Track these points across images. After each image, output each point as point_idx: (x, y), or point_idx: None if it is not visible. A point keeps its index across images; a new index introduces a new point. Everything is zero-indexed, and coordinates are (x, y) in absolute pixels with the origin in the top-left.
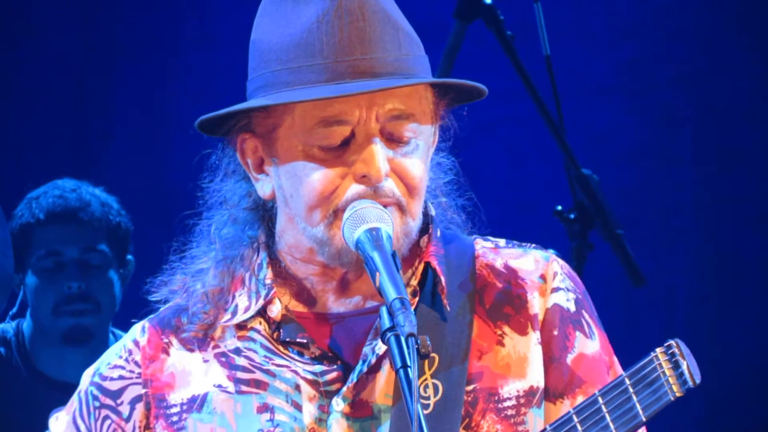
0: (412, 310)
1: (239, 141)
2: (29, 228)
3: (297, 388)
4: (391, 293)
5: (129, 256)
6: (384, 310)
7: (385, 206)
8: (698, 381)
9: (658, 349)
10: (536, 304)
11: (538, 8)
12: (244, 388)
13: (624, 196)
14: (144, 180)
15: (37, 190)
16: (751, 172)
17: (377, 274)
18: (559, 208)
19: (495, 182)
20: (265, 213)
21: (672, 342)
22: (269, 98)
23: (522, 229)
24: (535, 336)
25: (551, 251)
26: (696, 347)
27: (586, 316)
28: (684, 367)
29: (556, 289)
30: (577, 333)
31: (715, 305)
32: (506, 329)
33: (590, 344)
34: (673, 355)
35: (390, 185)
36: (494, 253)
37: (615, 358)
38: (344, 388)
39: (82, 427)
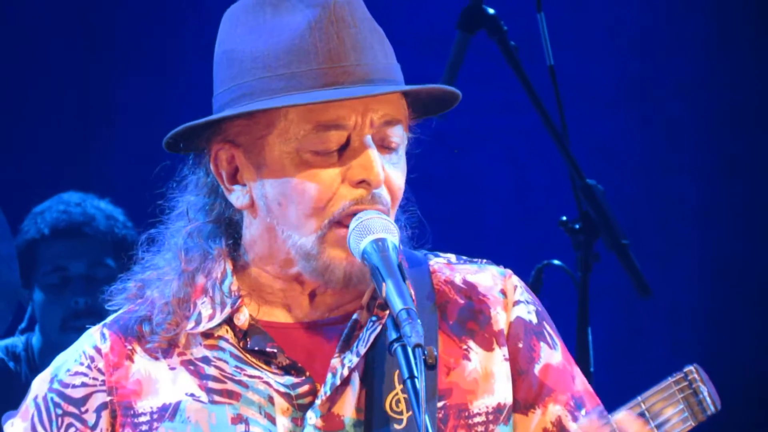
0: (419, 321)
1: (214, 151)
2: (35, 244)
3: (270, 400)
4: (398, 304)
5: None
6: (390, 321)
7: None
8: (719, 407)
9: (677, 375)
10: (500, 320)
11: (541, 18)
12: (216, 398)
13: (629, 207)
14: (148, 191)
15: (41, 205)
16: (756, 182)
17: (383, 285)
18: (564, 218)
19: (499, 193)
20: (228, 227)
21: (691, 368)
22: (268, 102)
23: (527, 240)
24: (501, 352)
25: (503, 267)
26: (701, 358)
27: (547, 327)
28: (705, 394)
29: (516, 303)
30: (542, 344)
31: (720, 316)
32: (471, 344)
33: (554, 354)
34: (693, 381)
35: (383, 192)
36: (449, 269)
37: (576, 368)
38: (317, 401)
39: None
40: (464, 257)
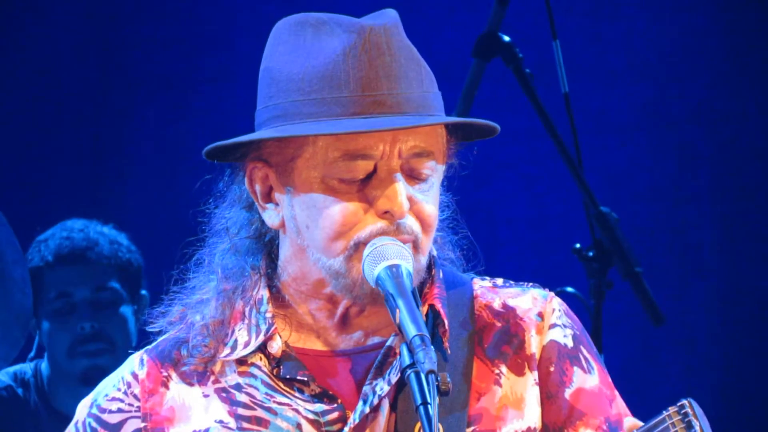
0: (432, 347)
1: (249, 169)
2: (39, 271)
3: (298, 427)
4: (412, 330)
5: (143, 291)
6: (404, 347)
7: (404, 243)
8: None
9: (671, 409)
10: (533, 344)
11: (556, 46)
12: (245, 424)
13: (643, 234)
14: (160, 217)
15: (45, 233)
16: (767, 208)
17: (397, 311)
18: (578, 246)
19: (514, 220)
20: (266, 243)
21: (685, 402)
22: (296, 128)
23: (541, 267)
24: (532, 377)
25: (548, 290)
26: (716, 387)
27: (584, 351)
28: (697, 427)
29: (553, 326)
30: (575, 368)
31: (735, 345)
32: (503, 368)
33: (589, 379)
34: (686, 415)
35: (410, 222)
36: (492, 292)
37: (617, 393)
38: (346, 428)
39: None
40: (512, 281)
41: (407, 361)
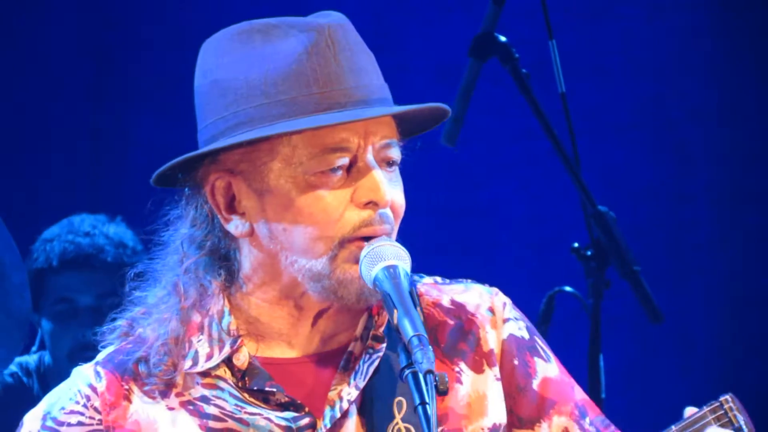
0: (430, 347)
1: (211, 181)
2: (43, 273)
3: None
4: (409, 331)
5: None
6: (402, 348)
7: (385, 234)
8: None
9: (712, 403)
10: (490, 340)
11: (553, 46)
12: None
13: (640, 233)
14: (158, 213)
15: (51, 230)
16: (765, 206)
17: (395, 311)
18: (576, 245)
19: (511, 219)
20: (222, 258)
21: (727, 396)
22: (274, 128)
23: (539, 267)
24: (492, 373)
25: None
26: (714, 385)
27: (539, 341)
28: (742, 422)
29: (506, 320)
30: (536, 359)
31: (733, 343)
32: (462, 365)
33: (550, 367)
34: (730, 410)
35: (388, 213)
36: (437, 290)
37: (570, 376)
38: None
39: None
40: (448, 279)
41: (405, 360)
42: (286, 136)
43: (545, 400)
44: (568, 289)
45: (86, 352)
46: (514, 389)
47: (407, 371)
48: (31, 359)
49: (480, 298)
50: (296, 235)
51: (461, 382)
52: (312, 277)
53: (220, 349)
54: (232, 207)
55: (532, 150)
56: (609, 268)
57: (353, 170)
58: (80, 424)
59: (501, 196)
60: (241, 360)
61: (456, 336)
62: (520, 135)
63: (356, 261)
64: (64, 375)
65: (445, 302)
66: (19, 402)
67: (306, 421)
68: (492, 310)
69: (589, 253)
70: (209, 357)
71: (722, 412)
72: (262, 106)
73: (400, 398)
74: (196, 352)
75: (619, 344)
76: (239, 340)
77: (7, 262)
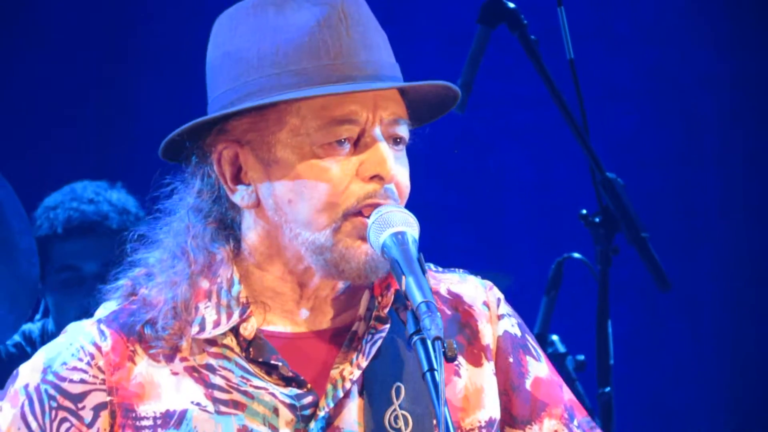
0: (438, 314)
1: (218, 151)
2: (47, 241)
3: (275, 411)
4: (418, 297)
5: None
6: (410, 314)
7: None
8: None
9: None
10: (487, 334)
11: (561, 12)
12: (223, 408)
13: (649, 200)
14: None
15: (54, 197)
16: None
17: (403, 278)
18: (584, 212)
19: (520, 186)
20: (229, 228)
21: None
22: (285, 95)
23: (547, 233)
24: (489, 367)
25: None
26: (722, 351)
27: (530, 339)
28: None
29: (501, 316)
30: (528, 357)
31: (741, 309)
32: (461, 359)
33: (540, 367)
34: None
35: (393, 188)
36: (433, 278)
37: (557, 374)
38: (321, 413)
39: (33, 424)
40: (441, 267)
41: (413, 327)
42: (295, 107)
43: (537, 402)
44: (576, 255)
45: None
46: (509, 387)
47: (416, 338)
48: (34, 327)
49: (476, 291)
50: (300, 207)
51: (459, 375)
52: (315, 250)
53: (229, 317)
54: (238, 178)
55: (541, 116)
56: (617, 234)
57: (360, 144)
58: (83, 381)
59: (509, 163)
60: (249, 330)
61: (453, 327)
62: (529, 101)
63: (359, 235)
64: None
65: (443, 291)
66: None
67: (309, 399)
68: (487, 305)
69: (597, 219)
70: (216, 324)
71: None
72: (272, 76)
73: (398, 384)
74: (203, 318)
75: (627, 311)
76: (248, 310)
77: (16, 228)
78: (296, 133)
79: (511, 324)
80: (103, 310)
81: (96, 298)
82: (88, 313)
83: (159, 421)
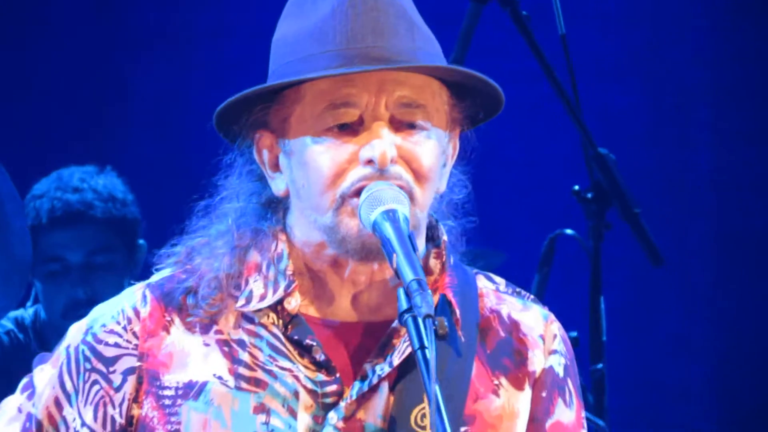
0: (429, 291)
1: (256, 138)
2: (34, 230)
3: (295, 395)
4: (409, 274)
5: (140, 241)
6: (401, 291)
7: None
8: None
9: None
10: (536, 363)
11: None
12: (243, 384)
13: (641, 175)
14: (159, 162)
15: (40, 185)
16: (761, 147)
17: (394, 255)
18: (577, 187)
19: (513, 163)
20: (278, 209)
21: None
22: (271, 83)
23: (539, 209)
24: (529, 393)
25: (546, 308)
26: (714, 326)
27: (570, 384)
28: None
29: (553, 352)
30: (560, 399)
31: (732, 284)
32: (503, 380)
33: (567, 413)
34: None
35: (397, 170)
36: (497, 298)
37: (585, 429)
38: (342, 403)
39: (68, 384)
40: (512, 286)
41: (404, 305)
42: (301, 94)
43: None
44: (569, 231)
45: (79, 309)
46: (532, 418)
47: (407, 315)
48: (26, 314)
49: (535, 323)
50: (309, 191)
51: (498, 395)
52: (325, 231)
53: (275, 291)
54: (276, 165)
55: (533, 92)
56: (609, 210)
57: (362, 128)
58: (116, 345)
59: (502, 139)
60: (292, 305)
61: (503, 349)
62: (521, 78)
63: (354, 214)
64: (59, 331)
65: (504, 314)
66: (17, 360)
67: (333, 387)
68: (543, 338)
69: (589, 195)
70: (262, 297)
71: None
72: (287, 63)
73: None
74: (251, 291)
75: (619, 286)
76: (294, 284)
77: (9, 209)
78: (303, 119)
79: (559, 363)
80: (157, 275)
81: (83, 288)
82: (76, 302)
83: (180, 392)
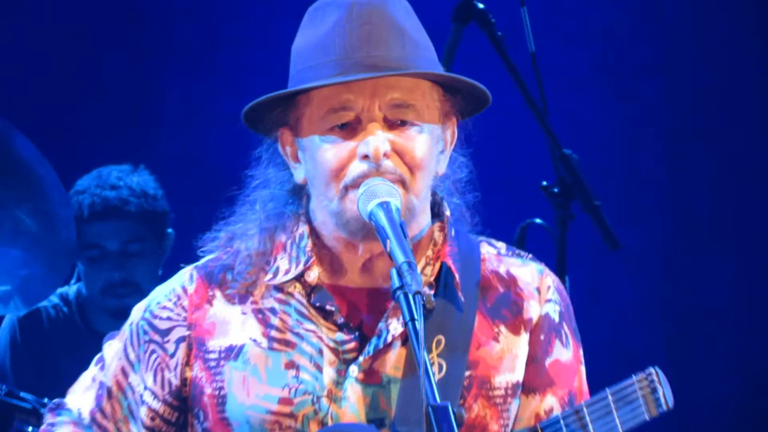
0: (420, 275)
1: (279, 134)
2: (76, 221)
3: (320, 352)
4: (400, 257)
5: (168, 230)
6: (394, 272)
7: (392, 183)
8: (671, 406)
9: (641, 374)
10: (532, 311)
11: (524, 11)
12: (275, 345)
13: (600, 173)
14: (186, 160)
15: (82, 182)
16: (708, 147)
17: (388, 241)
18: (545, 183)
19: (491, 163)
20: (302, 195)
21: (652, 370)
22: (283, 90)
23: (513, 202)
24: (525, 337)
25: (543, 264)
26: (665, 301)
27: (566, 327)
28: (660, 393)
29: (548, 300)
30: (556, 341)
31: (679, 267)
32: (502, 328)
33: (565, 352)
34: (652, 381)
35: (391, 164)
36: (498, 260)
37: (582, 368)
38: (360, 358)
39: (132, 355)
40: (512, 249)
41: (397, 283)
42: (309, 98)
43: (547, 378)
44: (538, 221)
45: (116, 289)
46: (531, 358)
47: (399, 292)
48: (71, 290)
49: (531, 277)
50: (320, 182)
51: (498, 341)
52: (333, 215)
53: (297, 265)
54: (296, 157)
55: (507, 101)
56: (573, 202)
57: (359, 128)
58: (169, 319)
59: (482, 143)
60: (312, 277)
61: (502, 302)
62: (497, 90)
63: (354, 203)
64: (98, 306)
65: (502, 271)
66: (62, 329)
67: (352, 345)
68: (539, 289)
69: (555, 190)
70: (287, 272)
71: (647, 382)
72: (299, 71)
73: (439, 336)
74: (278, 267)
75: (582, 268)
76: (312, 260)
77: (56, 200)
78: (311, 120)
79: (554, 310)
80: (205, 258)
81: (118, 271)
82: (112, 283)
83: (222, 354)
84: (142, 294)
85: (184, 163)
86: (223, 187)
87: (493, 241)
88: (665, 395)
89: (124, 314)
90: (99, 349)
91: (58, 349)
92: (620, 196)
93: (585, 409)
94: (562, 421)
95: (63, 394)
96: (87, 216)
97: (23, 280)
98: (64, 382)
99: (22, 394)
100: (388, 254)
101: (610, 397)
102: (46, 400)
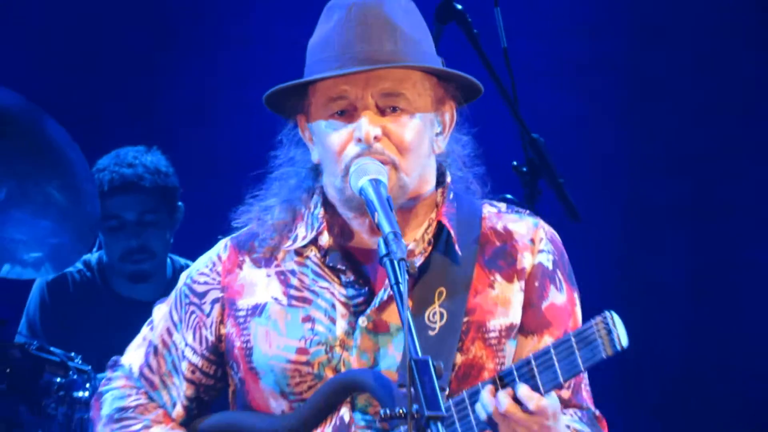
0: (404, 243)
1: (298, 120)
2: (98, 195)
3: (333, 306)
4: (386, 228)
5: (179, 203)
6: (381, 241)
7: (382, 163)
8: (626, 346)
9: (598, 318)
10: (525, 261)
11: (497, 11)
12: (294, 302)
13: (565, 154)
14: (194, 142)
15: (102, 161)
16: (660, 132)
17: (375, 213)
18: (515, 163)
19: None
20: (318, 171)
21: (608, 313)
22: (291, 81)
23: (488, 180)
24: (518, 285)
25: (539, 218)
26: (621, 269)
27: (559, 273)
28: (615, 334)
29: (540, 251)
30: (551, 286)
31: (634, 236)
32: (497, 276)
33: (559, 296)
34: (608, 324)
35: (380, 146)
36: (497, 217)
37: (577, 309)
38: (369, 310)
39: (176, 316)
40: (513, 208)
41: (383, 251)
42: (314, 89)
43: (544, 320)
44: (509, 196)
45: (133, 255)
46: (527, 303)
47: (385, 259)
48: (93, 257)
49: (526, 230)
50: (327, 162)
51: (493, 288)
52: (338, 191)
53: (311, 231)
54: (311, 139)
55: (484, 92)
56: (540, 180)
57: (354, 115)
58: (206, 283)
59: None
60: (324, 241)
61: (498, 254)
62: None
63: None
64: (117, 271)
65: (500, 227)
66: (85, 291)
67: (361, 299)
68: (533, 240)
69: (525, 169)
70: (303, 238)
71: (604, 325)
72: (307, 65)
73: (441, 288)
74: (297, 234)
75: None
76: (323, 226)
77: (81, 175)
78: (317, 107)
79: (547, 259)
80: (241, 231)
81: (135, 239)
82: (130, 250)
83: (249, 312)
84: (157, 260)
85: (192, 145)
86: (226, 169)
87: (496, 203)
88: (619, 336)
89: (141, 278)
90: (118, 308)
91: (82, 310)
92: (582, 174)
93: (552, 350)
94: (533, 361)
95: (86, 349)
96: (107, 190)
97: (53, 248)
98: (87, 338)
99: (51, 348)
100: (376, 225)
101: (572, 339)
102: (72, 354)
